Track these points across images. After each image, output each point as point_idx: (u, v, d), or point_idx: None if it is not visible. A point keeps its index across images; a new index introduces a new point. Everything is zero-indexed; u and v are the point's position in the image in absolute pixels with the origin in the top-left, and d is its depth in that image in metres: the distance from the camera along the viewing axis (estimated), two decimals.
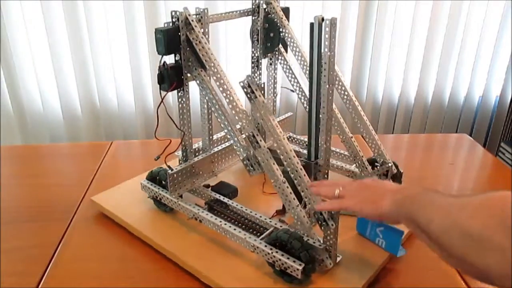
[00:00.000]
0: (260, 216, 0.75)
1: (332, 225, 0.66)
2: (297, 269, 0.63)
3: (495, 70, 2.06)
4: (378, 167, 0.87)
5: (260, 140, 0.69)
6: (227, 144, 0.94)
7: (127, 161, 1.16)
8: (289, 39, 0.89)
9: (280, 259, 0.65)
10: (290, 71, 0.93)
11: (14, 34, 1.73)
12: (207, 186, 0.88)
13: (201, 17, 0.76)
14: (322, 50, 0.67)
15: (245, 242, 0.70)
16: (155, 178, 0.85)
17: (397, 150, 1.26)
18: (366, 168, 0.85)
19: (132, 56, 1.82)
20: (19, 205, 0.93)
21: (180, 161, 0.88)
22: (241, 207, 0.79)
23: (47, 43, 1.76)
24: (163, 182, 0.84)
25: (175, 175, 0.81)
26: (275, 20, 0.88)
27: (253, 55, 0.92)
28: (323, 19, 0.66)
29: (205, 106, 0.87)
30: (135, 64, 1.84)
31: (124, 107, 1.93)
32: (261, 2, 0.87)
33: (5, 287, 0.70)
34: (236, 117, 0.71)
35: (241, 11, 0.87)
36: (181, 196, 0.83)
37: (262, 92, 0.71)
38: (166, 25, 0.73)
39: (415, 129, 2.11)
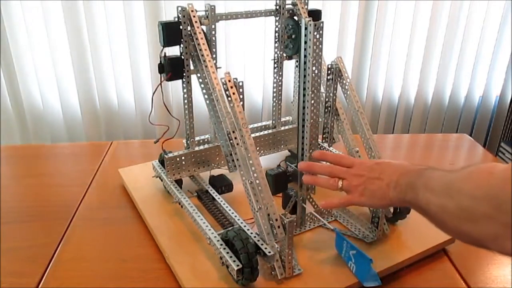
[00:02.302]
0: (233, 213, 0.76)
1: (281, 233, 0.64)
2: (234, 269, 0.63)
3: (495, 70, 2.06)
4: None
5: (235, 138, 0.69)
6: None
7: (127, 161, 1.16)
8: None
9: (224, 256, 0.65)
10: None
11: (14, 34, 1.73)
12: (212, 176, 0.90)
13: (209, 13, 0.78)
14: (308, 54, 0.66)
15: (204, 233, 0.72)
16: (163, 160, 0.88)
17: (397, 150, 1.26)
18: None
19: (132, 56, 1.82)
20: (19, 205, 0.93)
21: (185, 148, 0.91)
22: (223, 203, 0.80)
23: (47, 43, 1.76)
24: None
25: (172, 159, 0.86)
26: (299, 22, 0.84)
27: (275, 56, 0.92)
28: (310, 22, 0.64)
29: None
30: (135, 64, 1.84)
31: (124, 107, 1.93)
32: (285, 2, 0.85)
33: (5, 287, 0.70)
34: (219, 114, 0.72)
35: (261, 11, 0.85)
36: (181, 181, 0.89)
37: (241, 90, 0.70)
38: (175, 18, 0.77)
39: (415, 129, 2.11)
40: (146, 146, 1.31)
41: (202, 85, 0.79)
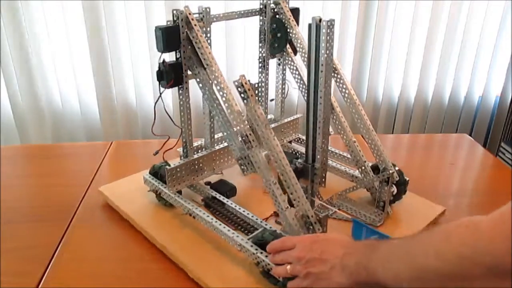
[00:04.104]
0: (252, 216, 0.75)
1: (318, 229, 0.65)
2: (281, 272, 0.62)
3: (495, 70, 2.06)
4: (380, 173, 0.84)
5: (253, 140, 0.69)
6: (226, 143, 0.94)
7: (127, 161, 1.16)
8: (296, 40, 0.88)
9: (264, 260, 0.65)
10: (297, 73, 0.92)
11: (14, 33, 1.72)
12: (208, 183, 0.88)
13: (203, 16, 0.77)
14: (320, 52, 0.67)
15: (232, 241, 0.70)
16: (157, 172, 0.86)
17: (397, 150, 1.26)
18: (369, 174, 0.84)
19: (132, 56, 1.82)
20: (19, 205, 0.93)
21: (181, 157, 0.88)
22: (235, 206, 0.79)
23: (47, 43, 1.76)
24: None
25: (173, 170, 0.82)
26: (283, 20, 0.87)
27: (260, 55, 0.92)
28: (320, 20, 0.66)
29: (207, 104, 0.87)
30: (135, 64, 1.83)
31: (124, 107, 1.93)
32: (269, 2, 0.86)
33: (5, 287, 0.70)
34: (231, 117, 0.71)
35: (248, 11, 0.86)
36: (180, 192, 0.85)
37: (256, 92, 0.71)
38: (168, 23, 0.74)
39: (415, 129, 2.11)
40: (146, 146, 1.31)
41: (204, 89, 0.77)
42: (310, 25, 0.68)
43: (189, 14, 0.74)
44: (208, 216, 0.75)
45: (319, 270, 0.56)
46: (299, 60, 0.91)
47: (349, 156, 0.92)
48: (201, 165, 0.87)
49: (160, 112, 0.91)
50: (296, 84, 0.93)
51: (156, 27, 0.74)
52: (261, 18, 0.88)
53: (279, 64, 0.96)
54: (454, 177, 1.10)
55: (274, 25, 0.88)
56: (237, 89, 0.69)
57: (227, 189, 0.87)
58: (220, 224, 0.73)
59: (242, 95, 0.69)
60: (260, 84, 0.95)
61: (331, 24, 0.65)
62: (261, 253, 0.66)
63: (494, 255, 0.40)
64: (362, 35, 1.93)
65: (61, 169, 1.12)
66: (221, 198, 0.82)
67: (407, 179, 0.85)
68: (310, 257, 0.58)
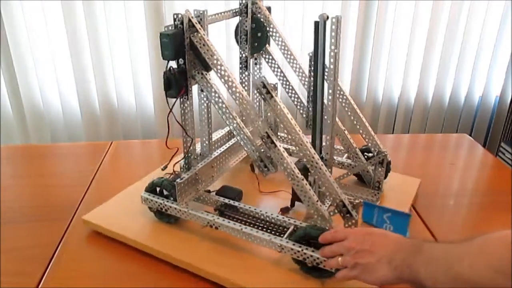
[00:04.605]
0: (277, 216, 0.75)
1: (355, 215, 0.69)
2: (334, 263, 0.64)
3: (495, 70, 2.06)
4: (373, 156, 0.88)
5: (276, 140, 0.69)
6: (225, 147, 0.92)
7: (127, 161, 1.16)
8: (276, 37, 0.89)
9: (312, 255, 0.66)
10: (279, 69, 0.93)
11: (14, 34, 1.72)
12: (208, 191, 0.85)
13: (201, 19, 0.75)
14: (327, 48, 0.68)
15: (270, 243, 0.69)
16: (155, 189, 0.81)
17: (397, 150, 1.26)
18: (361, 159, 0.89)
19: (132, 56, 1.82)
20: (19, 205, 0.93)
21: (182, 169, 0.85)
22: (255, 209, 0.77)
23: (47, 43, 1.76)
24: (165, 193, 0.80)
25: (182, 184, 0.76)
26: (262, 19, 0.88)
27: (241, 55, 0.92)
28: (327, 17, 0.68)
29: (205, 110, 0.84)
30: (135, 64, 1.83)
31: (124, 107, 1.93)
32: (249, 2, 0.87)
33: (5, 287, 0.70)
34: (249, 118, 0.71)
35: (233, 11, 0.86)
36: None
37: (276, 92, 0.72)
38: (166, 28, 0.71)
39: (415, 129, 2.11)
40: (146, 146, 1.31)
41: (211, 94, 0.75)
42: (316, 23, 0.70)
43: (192, 17, 0.71)
44: (234, 223, 0.73)
45: (367, 261, 0.58)
46: (276, 55, 0.93)
47: (338, 147, 0.96)
48: (202, 174, 0.84)
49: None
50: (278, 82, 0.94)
51: (161, 33, 0.69)
52: (241, 18, 0.88)
53: (255, 64, 0.96)
54: (454, 177, 1.10)
55: (254, 25, 0.89)
56: (258, 89, 0.69)
57: (236, 194, 0.84)
58: (251, 230, 0.71)
59: (263, 96, 0.69)
60: (242, 85, 0.96)
61: (339, 20, 0.67)
62: (307, 249, 0.67)
63: None
64: (362, 35, 1.93)
65: (61, 169, 1.12)
66: (235, 203, 0.79)
67: (389, 159, 0.91)
68: (360, 248, 0.60)
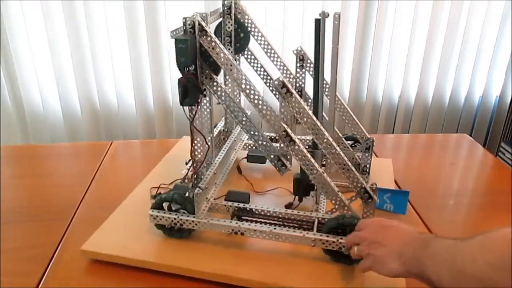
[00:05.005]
0: (298, 212, 0.76)
1: (377, 199, 0.74)
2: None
3: (495, 70, 2.06)
4: (359, 143, 0.95)
5: (295, 138, 0.70)
6: (223, 152, 0.90)
7: (127, 161, 1.16)
8: (259, 37, 0.91)
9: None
10: (262, 70, 0.95)
11: (13, 33, 1.73)
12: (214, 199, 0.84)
13: (205, 21, 0.75)
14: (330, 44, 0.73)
15: (304, 240, 0.70)
16: (161, 206, 0.76)
17: (397, 150, 1.26)
18: (349, 147, 0.94)
19: (132, 56, 1.82)
20: (19, 205, 0.93)
21: (189, 179, 0.83)
22: (273, 209, 0.77)
23: (47, 43, 1.76)
24: (174, 207, 0.76)
25: (200, 195, 0.73)
26: (242, 20, 0.89)
27: None
28: (328, 15, 0.72)
29: (208, 116, 0.80)
30: (135, 64, 1.84)
31: (124, 107, 1.93)
32: (232, 3, 0.87)
33: (5, 287, 0.70)
34: (265, 118, 0.71)
35: (214, 13, 0.84)
36: None
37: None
38: (175, 33, 0.67)
39: (415, 129, 2.11)
40: (146, 146, 1.31)
41: (223, 98, 0.73)
42: (317, 20, 0.72)
43: (201, 21, 0.67)
44: (262, 226, 0.72)
45: (379, 253, 0.59)
46: (256, 53, 0.94)
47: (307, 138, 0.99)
48: (209, 183, 0.80)
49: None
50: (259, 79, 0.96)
51: (177, 39, 0.64)
52: (224, 20, 0.88)
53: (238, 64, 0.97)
54: (454, 177, 1.10)
55: (236, 25, 0.89)
56: (276, 89, 0.70)
57: (245, 197, 0.82)
58: (281, 229, 0.71)
59: (282, 95, 0.69)
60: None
61: (339, 17, 0.71)
62: (341, 238, 0.69)
63: None
64: (362, 35, 1.93)
65: (61, 169, 1.12)
66: (252, 206, 0.78)
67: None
68: (373, 239, 0.61)
